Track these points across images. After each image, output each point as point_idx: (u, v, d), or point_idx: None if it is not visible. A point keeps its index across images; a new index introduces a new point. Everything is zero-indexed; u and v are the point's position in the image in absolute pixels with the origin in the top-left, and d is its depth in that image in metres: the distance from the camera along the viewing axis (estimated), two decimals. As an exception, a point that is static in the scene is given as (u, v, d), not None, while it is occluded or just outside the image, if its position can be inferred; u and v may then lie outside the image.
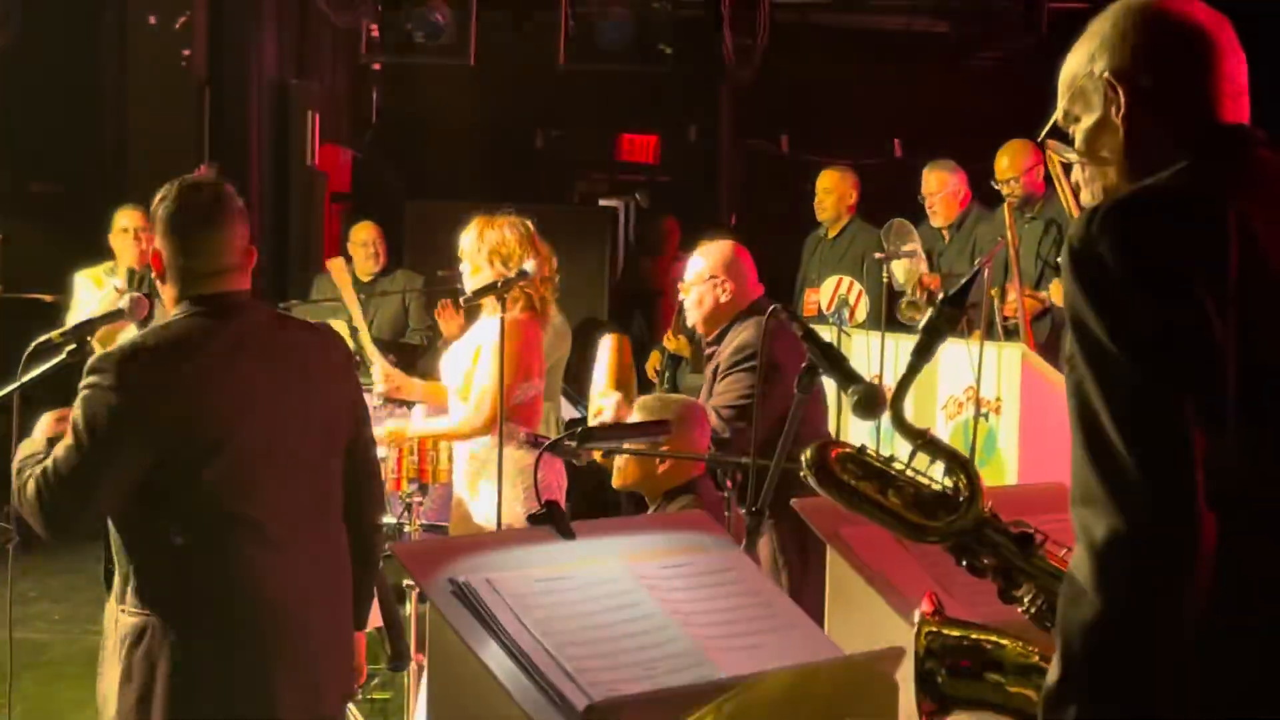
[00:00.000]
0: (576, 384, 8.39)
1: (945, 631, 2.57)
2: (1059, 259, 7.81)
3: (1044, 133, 2.65)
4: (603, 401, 5.83)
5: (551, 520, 3.12)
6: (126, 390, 3.60)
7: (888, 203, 9.53)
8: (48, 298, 12.46)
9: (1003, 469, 7.17)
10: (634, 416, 5.08)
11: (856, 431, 7.56)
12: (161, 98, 10.63)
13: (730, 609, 3.14)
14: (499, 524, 5.55)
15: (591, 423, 5.82)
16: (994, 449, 7.24)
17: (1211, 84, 2.40)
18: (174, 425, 3.64)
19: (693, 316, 5.86)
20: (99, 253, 9.56)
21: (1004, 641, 2.55)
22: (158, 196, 3.87)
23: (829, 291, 8.74)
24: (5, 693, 7.01)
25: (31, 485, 3.62)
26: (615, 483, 5.06)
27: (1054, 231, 7.96)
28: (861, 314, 8.23)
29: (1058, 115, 2.54)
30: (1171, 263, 2.18)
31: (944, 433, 7.54)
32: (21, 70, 11.32)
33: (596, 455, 5.12)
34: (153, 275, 3.88)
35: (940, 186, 8.64)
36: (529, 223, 5.89)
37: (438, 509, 7.13)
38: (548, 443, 4.85)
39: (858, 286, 8.56)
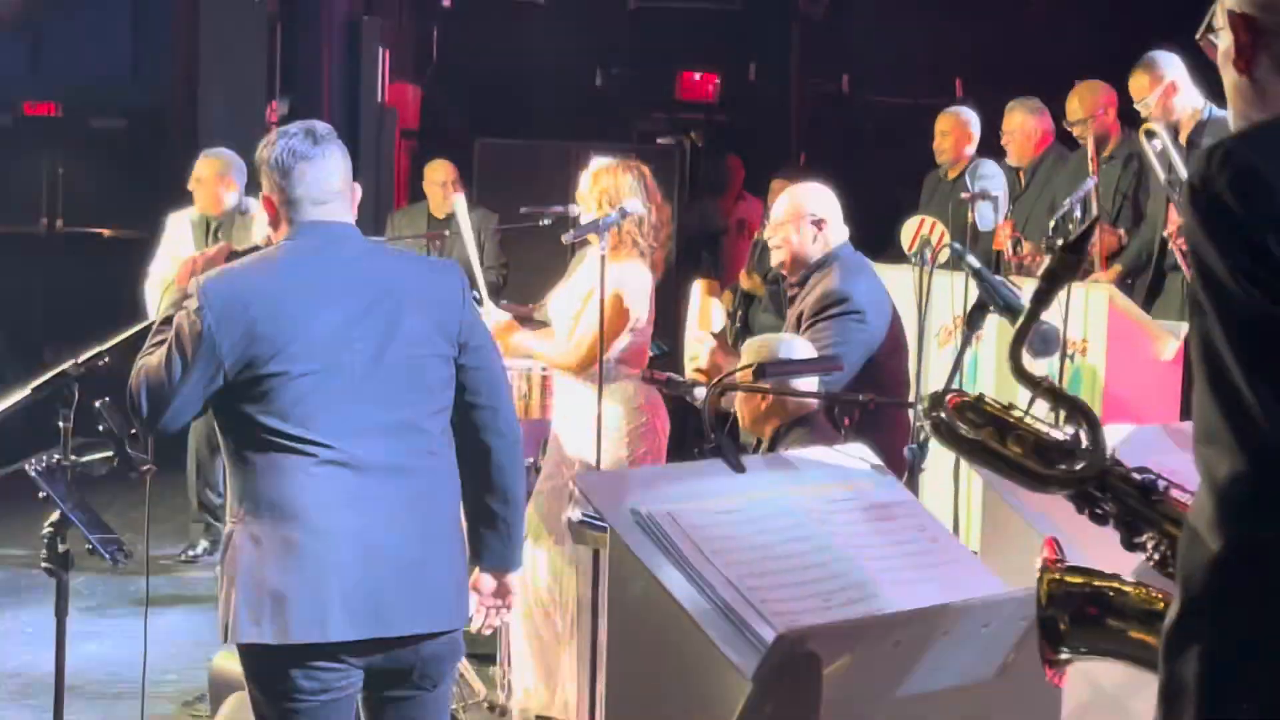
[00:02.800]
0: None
1: (1067, 579, 2.52)
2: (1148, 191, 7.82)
3: (1200, 32, 2.59)
4: (698, 347, 5.84)
5: (722, 454, 3.17)
6: (208, 312, 3.76)
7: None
8: (106, 232, 12.60)
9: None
10: (744, 359, 5.13)
11: (936, 378, 7.58)
12: (233, 33, 10.63)
13: (898, 543, 3.20)
14: (598, 465, 5.61)
15: (689, 368, 5.84)
16: (1079, 390, 7.26)
17: None
18: (251, 340, 3.76)
19: (778, 257, 5.85)
20: (163, 189, 9.63)
21: (1126, 588, 2.50)
22: (260, 145, 3.99)
23: (911, 231, 8.71)
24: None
25: (132, 378, 3.87)
26: (745, 426, 5.11)
27: (1134, 165, 7.95)
28: (944, 254, 8.21)
29: (1211, 21, 2.50)
30: None
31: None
32: (91, 4, 11.36)
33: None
34: (268, 222, 3.99)
35: (1018, 126, 8.60)
36: (644, 168, 5.91)
37: (530, 445, 7.18)
38: (666, 379, 4.91)
39: (940, 227, 8.53)
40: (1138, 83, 7.45)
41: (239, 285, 3.81)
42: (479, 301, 6.80)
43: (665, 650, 3.00)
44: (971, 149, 9.17)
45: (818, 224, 5.75)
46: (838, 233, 5.81)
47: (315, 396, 3.79)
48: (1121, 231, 7.90)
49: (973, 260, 3.54)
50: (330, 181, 3.92)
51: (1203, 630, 2.11)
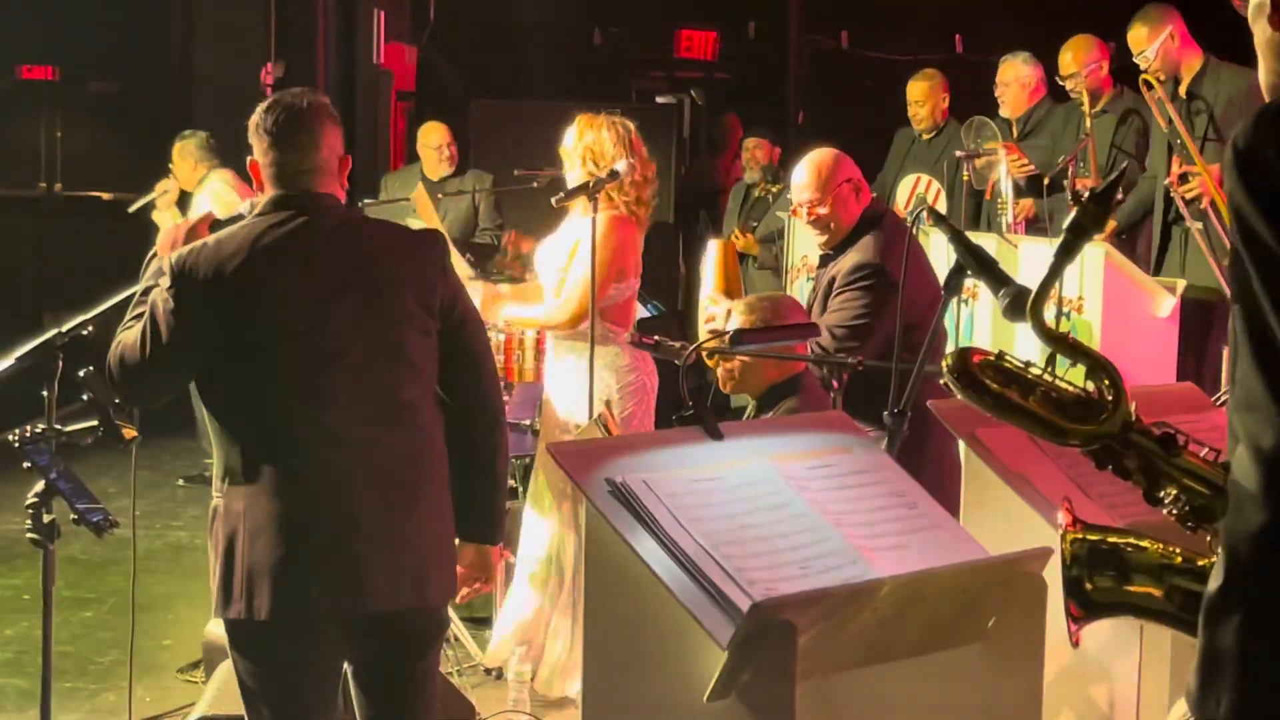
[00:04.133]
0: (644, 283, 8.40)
1: (1088, 537, 2.56)
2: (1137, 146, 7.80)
3: None
4: (714, 309, 5.78)
5: (700, 421, 3.15)
6: (180, 288, 3.74)
7: (950, 99, 9.46)
8: (105, 195, 12.58)
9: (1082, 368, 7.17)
10: (734, 318, 5.09)
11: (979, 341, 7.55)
12: (228, -5, 10.61)
13: (877, 509, 3.18)
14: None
15: (703, 330, 5.77)
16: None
17: None
18: (226, 317, 3.74)
19: (825, 235, 5.58)
20: (159, 153, 9.64)
21: (1144, 544, 2.54)
22: (255, 112, 3.96)
23: (907, 190, 8.70)
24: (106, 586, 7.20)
25: (110, 353, 3.86)
26: (726, 389, 5.08)
27: (1133, 121, 7.93)
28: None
29: None
30: None
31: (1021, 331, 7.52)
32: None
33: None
34: (255, 187, 3.97)
35: (1014, 78, 8.57)
36: (630, 124, 5.88)
37: (520, 407, 7.17)
38: (654, 342, 4.89)
39: (936, 185, 8.53)
40: (1136, 35, 7.39)
41: (212, 259, 3.76)
42: (473, 264, 6.80)
43: (642, 619, 2.98)
44: (945, 108, 9.16)
45: (855, 188, 5.61)
46: (866, 193, 5.70)
47: (293, 369, 3.76)
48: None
49: (951, 224, 3.51)
50: (318, 152, 3.88)
51: (1246, 600, 2.09)
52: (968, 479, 3.51)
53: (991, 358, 2.66)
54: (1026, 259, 7.49)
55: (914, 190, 8.60)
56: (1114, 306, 7.10)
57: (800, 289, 8.44)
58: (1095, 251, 7.14)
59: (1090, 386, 2.63)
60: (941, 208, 8.41)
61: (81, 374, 4.33)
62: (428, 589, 3.86)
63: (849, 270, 5.42)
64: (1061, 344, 2.63)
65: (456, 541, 4.03)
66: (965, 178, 8.13)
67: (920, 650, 3.12)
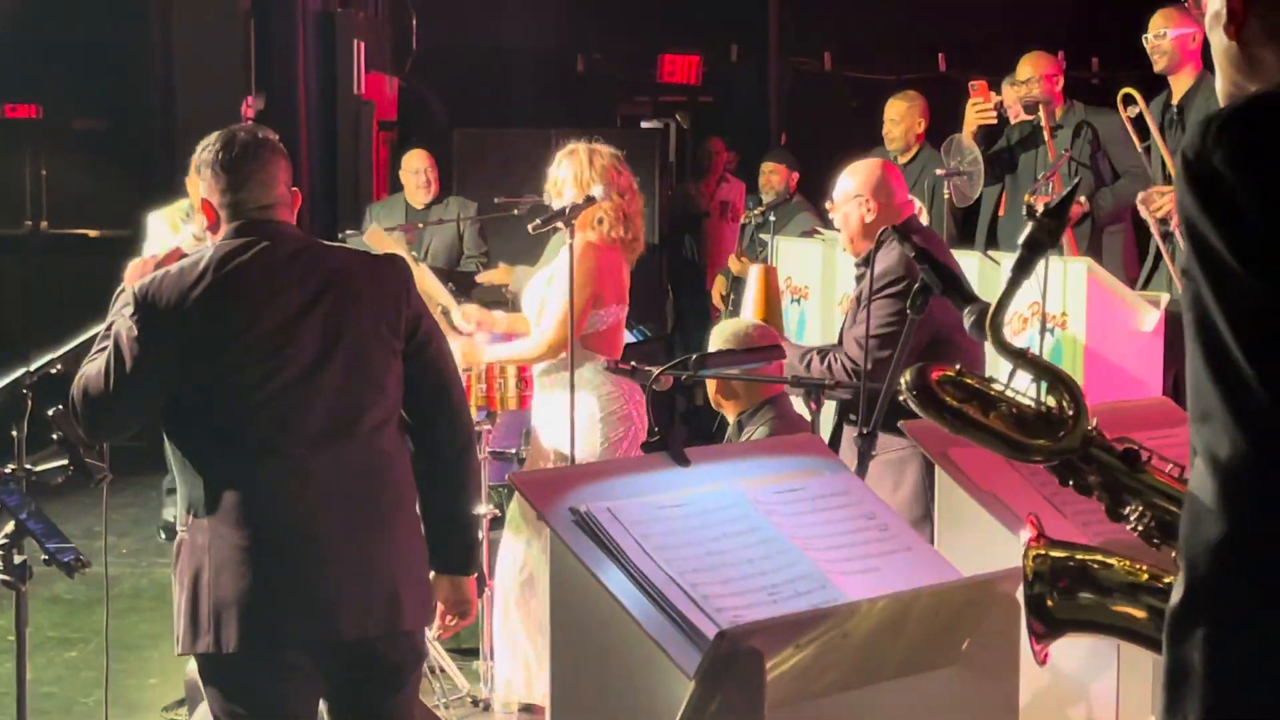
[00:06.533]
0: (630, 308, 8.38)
1: (1052, 554, 2.54)
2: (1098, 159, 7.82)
3: None
4: None
5: (666, 447, 3.12)
6: (143, 317, 3.72)
7: (934, 118, 9.43)
8: (92, 233, 12.55)
9: (1069, 384, 7.13)
10: (712, 343, 5.09)
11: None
12: (207, 30, 10.59)
13: (847, 532, 3.14)
14: (571, 453, 5.56)
15: None
16: (1060, 364, 7.19)
17: None
18: (189, 343, 3.72)
19: (842, 237, 5.74)
20: (145, 188, 9.59)
21: (1111, 560, 2.52)
22: (199, 148, 3.92)
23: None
24: (84, 625, 7.13)
25: (74, 386, 3.83)
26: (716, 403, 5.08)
27: (1085, 132, 7.98)
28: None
29: None
30: None
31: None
32: (65, 3, 11.31)
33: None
34: (205, 226, 3.94)
35: (1014, 100, 8.58)
36: (606, 152, 5.85)
37: (504, 436, 7.15)
38: (630, 369, 4.85)
39: (919, 203, 8.49)
40: (1164, 16, 7.34)
41: (175, 285, 3.74)
42: (446, 313, 6.71)
43: (608, 649, 2.95)
44: (921, 132, 9.14)
45: (874, 201, 5.58)
46: (899, 209, 5.66)
47: (259, 396, 3.73)
48: (1082, 198, 7.92)
49: (914, 242, 3.48)
50: (272, 188, 3.86)
51: (1208, 614, 2.07)
52: (940, 499, 3.47)
53: (951, 373, 2.66)
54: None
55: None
56: (1098, 321, 7.07)
57: (784, 312, 8.40)
58: (1078, 266, 7.12)
59: (1051, 402, 2.61)
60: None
61: (51, 413, 4.30)
62: (400, 615, 3.80)
63: (875, 279, 5.40)
64: (1021, 359, 2.61)
65: (431, 574, 3.97)
66: (947, 195, 8.11)
67: (893, 674, 3.08)
